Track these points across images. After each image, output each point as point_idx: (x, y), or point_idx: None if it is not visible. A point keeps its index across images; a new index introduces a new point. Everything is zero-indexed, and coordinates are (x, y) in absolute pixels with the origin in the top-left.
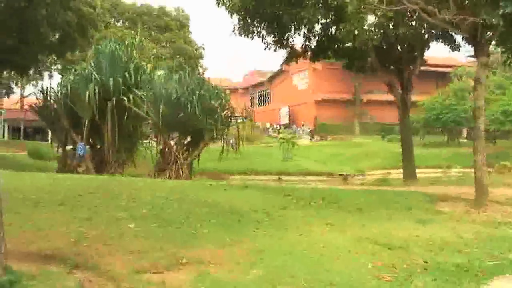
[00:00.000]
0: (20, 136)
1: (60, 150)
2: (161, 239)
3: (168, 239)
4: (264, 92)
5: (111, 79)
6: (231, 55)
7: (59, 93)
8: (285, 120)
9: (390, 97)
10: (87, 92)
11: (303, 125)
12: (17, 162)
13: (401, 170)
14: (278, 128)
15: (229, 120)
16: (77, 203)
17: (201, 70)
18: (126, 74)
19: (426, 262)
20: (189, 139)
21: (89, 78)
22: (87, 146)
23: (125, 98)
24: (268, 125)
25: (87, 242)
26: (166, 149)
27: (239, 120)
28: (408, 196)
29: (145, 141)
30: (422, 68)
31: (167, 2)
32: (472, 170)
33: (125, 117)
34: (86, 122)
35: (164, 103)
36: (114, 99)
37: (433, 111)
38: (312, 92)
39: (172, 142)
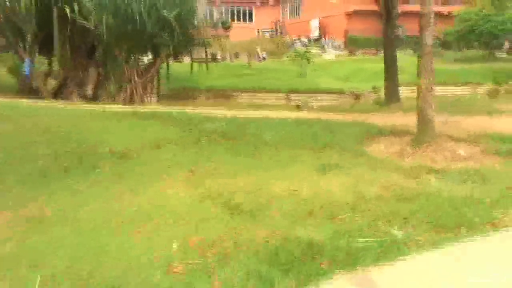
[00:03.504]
0: None
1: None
2: None
3: None
4: (295, 4)
5: None
6: None
7: None
8: (316, 34)
9: None
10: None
11: (330, 39)
12: None
13: None
14: (306, 41)
15: (191, 34)
16: None
17: None
18: None
19: (265, 238)
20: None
21: None
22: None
23: (68, 8)
24: (295, 38)
25: None
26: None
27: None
28: (338, 129)
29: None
30: None
31: None
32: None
33: (68, 29)
34: (29, 36)
35: (112, 13)
36: (55, 8)
37: (467, 22)
38: (343, 2)
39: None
